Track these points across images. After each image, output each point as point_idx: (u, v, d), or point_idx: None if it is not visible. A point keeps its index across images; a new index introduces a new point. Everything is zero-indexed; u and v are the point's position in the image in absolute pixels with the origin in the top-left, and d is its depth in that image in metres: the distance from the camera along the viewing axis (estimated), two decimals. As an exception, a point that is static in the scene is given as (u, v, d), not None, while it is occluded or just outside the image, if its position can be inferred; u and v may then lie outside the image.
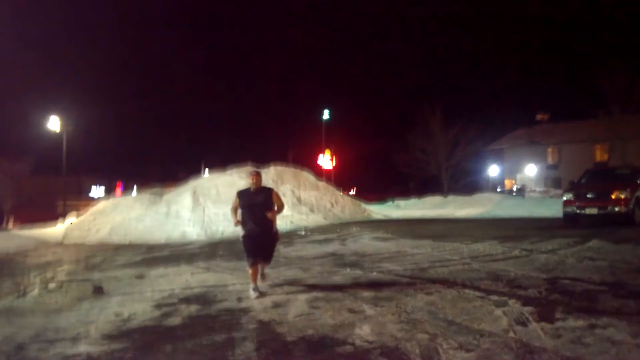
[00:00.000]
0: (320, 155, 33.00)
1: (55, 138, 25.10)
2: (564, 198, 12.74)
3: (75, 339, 4.21)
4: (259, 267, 5.80)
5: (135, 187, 27.56)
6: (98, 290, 6.25)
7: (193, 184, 17.86)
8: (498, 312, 4.29)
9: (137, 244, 13.80)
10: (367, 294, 5.26)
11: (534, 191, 34.29)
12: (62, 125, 24.12)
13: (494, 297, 4.82)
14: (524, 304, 4.46)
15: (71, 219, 18.41)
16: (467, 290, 5.18)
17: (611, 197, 11.69)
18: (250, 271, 5.63)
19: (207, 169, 24.31)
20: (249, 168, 17.97)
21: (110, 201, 18.42)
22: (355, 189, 45.30)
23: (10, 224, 21.13)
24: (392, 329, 3.96)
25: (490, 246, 8.85)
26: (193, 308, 5.09)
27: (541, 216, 17.87)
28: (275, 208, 5.89)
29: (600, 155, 42.23)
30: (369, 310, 4.58)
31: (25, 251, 12.85)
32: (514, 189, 41.11)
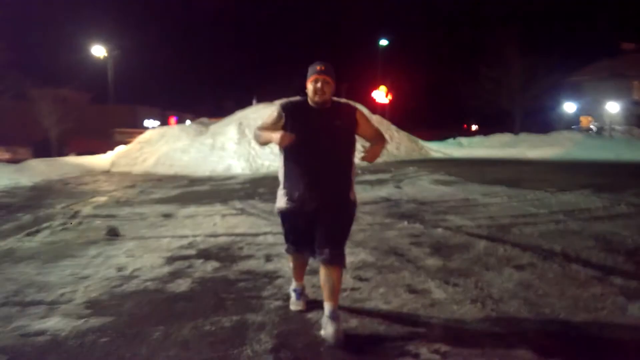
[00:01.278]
0: (376, 90, 30.86)
1: (105, 66, 24.56)
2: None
3: (52, 305, 3.28)
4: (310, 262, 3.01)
5: (188, 121, 27.04)
6: (112, 232, 5.36)
7: (239, 115, 16.82)
8: (635, 308, 2.91)
9: (181, 175, 13.12)
10: (432, 262, 3.98)
11: (614, 130, 30.73)
12: (108, 52, 23.38)
13: (618, 281, 3.40)
14: (672, 297, 3.04)
15: (120, 147, 18.08)
16: (573, 266, 3.78)
17: None
18: (290, 263, 3.10)
19: (256, 102, 23.19)
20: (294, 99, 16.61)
21: (157, 130, 17.82)
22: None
23: (68, 152, 21.27)
24: (475, 328, 2.69)
25: (583, 197, 7.21)
26: (209, 266, 4.04)
27: (629, 160, 15.53)
28: (367, 149, 2.75)
29: (698, 91, 37.09)
30: (436, 290, 3.31)
31: (68, 179, 12.49)
32: (592, 127, 37.35)
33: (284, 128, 2.67)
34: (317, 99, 2.66)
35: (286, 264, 3.85)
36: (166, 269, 4.02)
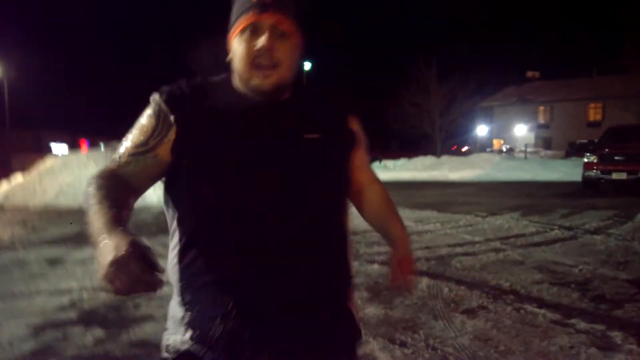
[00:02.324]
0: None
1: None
2: (585, 160, 10.97)
3: None
4: None
5: (102, 145, 25.10)
6: (-27, 291, 4.22)
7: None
8: (613, 366, 2.44)
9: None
10: (372, 310, 3.35)
11: (523, 151, 32.72)
12: (3, 71, 21.13)
13: (582, 325, 2.96)
14: (647, 346, 2.62)
15: (16, 177, 16.08)
16: (528, 307, 3.32)
17: (644, 160, 9.93)
18: None
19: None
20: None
21: (60, 158, 16.11)
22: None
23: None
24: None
25: (514, 221, 7.05)
26: (90, 337, 3.12)
27: (546, 180, 16.25)
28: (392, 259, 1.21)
29: (593, 114, 40.77)
30: (381, 355, 2.66)
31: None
32: (503, 149, 39.62)
33: (176, 158, 1.03)
34: (257, 80, 1.05)
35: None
36: (29, 346, 3.04)
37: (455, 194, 11.68)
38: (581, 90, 41.21)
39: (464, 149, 41.13)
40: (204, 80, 1.13)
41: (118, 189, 1.00)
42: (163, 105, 1.06)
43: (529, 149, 28.66)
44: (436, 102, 28.51)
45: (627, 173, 10.07)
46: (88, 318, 3.48)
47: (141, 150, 1.05)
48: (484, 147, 40.83)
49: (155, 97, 1.08)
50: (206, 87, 1.10)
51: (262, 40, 1.01)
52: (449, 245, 5.43)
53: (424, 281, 3.99)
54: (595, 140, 12.42)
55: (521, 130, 40.98)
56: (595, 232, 6.01)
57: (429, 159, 22.57)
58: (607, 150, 10.62)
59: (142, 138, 1.05)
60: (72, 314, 3.58)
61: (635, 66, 25.51)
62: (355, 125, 1.20)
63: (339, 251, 1.11)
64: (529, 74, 48.69)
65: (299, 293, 1.02)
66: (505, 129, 43.09)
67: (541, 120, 44.21)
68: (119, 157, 1.06)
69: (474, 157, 21.50)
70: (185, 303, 1.05)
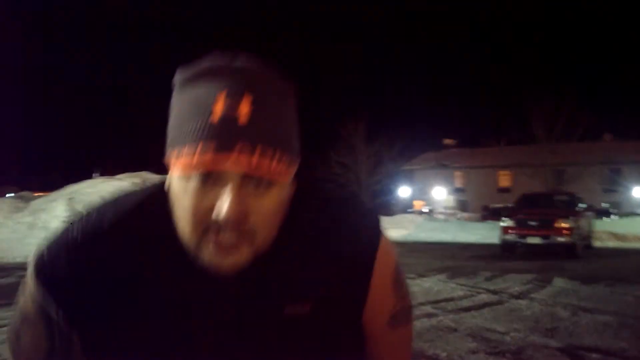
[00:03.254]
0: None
1: None
2: (502, 224, 11.63)
3: None
4: None
5: (9, 195, 22.98)
6: None
7: (70, 189, 14.56)
8: None
9: (-18, 263, 10.39)
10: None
11: (442, 213, 34.43)
12: None
13: (524, 400, 2.90)
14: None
15: None
16: (469, 379, 3.23)
17: (554, 226, 10.70)
18: None
19: (97, 175, 20.69)
20: (144, 174, 14.97)
21: (-44, 205, 14.47)
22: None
23: None
24: None
25: (442, 283, 7.15)
26: None
27: (465, 241, 16.98)
28: None
29: (503, 181, 44.18)
30: None
31: None
32: (424, 210, 41.48)
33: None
34: (210, 257, 0.62)
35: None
36: None
37: (383, 254, 11.78)
38: (492, 158, 44.80)
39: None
40: (127, 213, 0.68)
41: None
42: (44, 293, 0.64)
43: (447, 211, 30.18)
44: (363, 163, 29.56)
45: (540, 237, 10.76)
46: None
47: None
48: (406, 207, 42.50)
49: (29, 278, 0.66)
50: (129, 228, 0.66)
51: (223, 208, 0.58)
52: (383, 310, 5.33)
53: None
54: (510, 205, 13.28)
55: (440, 193, 43.40)
56: (519, 296, 6.20)
57: (355, 218, 22.91)
58: (521, 215, 11.35)
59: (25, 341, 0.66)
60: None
61: (540, 138, 28.23)
62: (376, 273, 0.71)
63: None
64: (446, 141, 52.38)
65: None
66: (425, 191, 45.39)
67: (457, 184, 47.17)
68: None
69: (399, 218, 22.18)
70: None
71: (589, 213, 13.06)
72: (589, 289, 6.83)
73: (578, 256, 10.64)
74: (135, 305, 0.65)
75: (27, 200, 14.97)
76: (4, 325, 4.73)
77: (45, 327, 0.65)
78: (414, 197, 47.02)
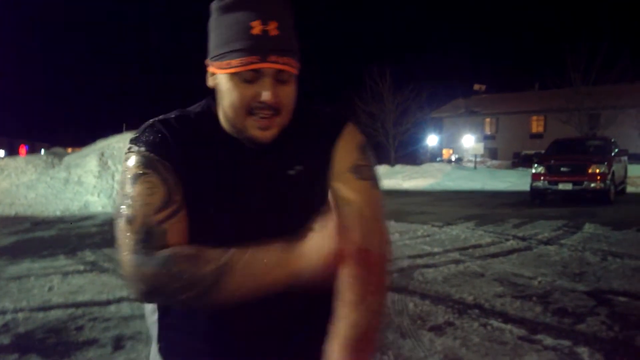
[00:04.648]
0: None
1: None
2: (533, 171, 11.37)
3: None
4: None
5: (43, 151, 23.66)
6: None
7: (101, 144, 14.87)
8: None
9: (23, 216, 10.90)
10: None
11: (471, 161, 33.83)
12: None
13: (549, 341, 2.94)
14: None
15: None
16: (494, 322, 3.27)
17: (588, 172, 10.42)
18: None
19: (126, 129, 20.98)
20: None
21: (-5, 162, 15.04)
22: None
23: None
24: None
25: (469, 231, 7.14)
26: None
27: (494, 189, 16.77)
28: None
29: (536, 126, 42.85)
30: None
31: None
32: (452, 158, 40.83)
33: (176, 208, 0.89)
34: (254, 132, 0.89)
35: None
36: (-47, 376, 2.68)
37: (410, 203, 11.78)
38: (524, 103, 43.21)
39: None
40: (181, 118, 0.94)
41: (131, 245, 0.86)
42: (151, 154, 0.89)
43: (477, 159, 29.65)
44: (390, 112, 29.03)
45: (572, 184, 10.51)
46: (24, 343, 3.12)
47: (170, 211, 0.86)
48: (434, 156, 41.92)
49: (138, 152, 0.89)
50: (185, 126, 0.93)
51: (265, 93, 0.85)
52: (410, 257, 5.38)
53: (389, 296, 3.88)
54: (542, 152, 12.93)
55: (469, 141, 42.36)
56: (548, 242, 6.15)
57: (383, 168, 22.85)
58: (553, 161, 11.06)
59: (158, 199, 0.86)
60: (6, 339, 3.20)
61: (575, 81, 26.99)
62: (339, 144, 0.97)
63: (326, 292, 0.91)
64: (476, 86, 50.65)
65: (281, 344, 0.96)
66: (454, 140, 44.47)
67: (487, 131, 45.98)
68: (146, 237, 0.84)
69: (427, 167, 21.97)
70: (163, 352, 1.00)
71: (624, 158, 12.63)
72: (620, 234, 6.72)
73: (611, 202, 10.41)
74: (198, 165, 0.91)
75: (60, 156, 15.42)
76: (50, 274, 5.03)
77: (157, 173, 0.87)
78: (442, 146, 46.27)
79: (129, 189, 0.87)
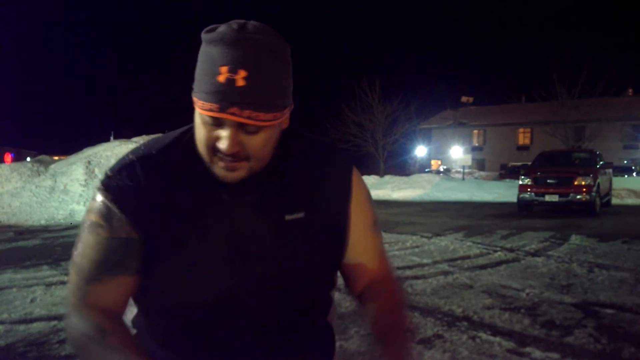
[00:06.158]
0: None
1: None
2: (520, 182, 11.49)
3: None
4: None
5: (29, 158, 23.35)
6: None
7: (88, 152, 14.73)
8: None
9: (7, 225, 10.74)
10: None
11: (459, 172, 34.07)
12: None
13: (538, 354, 2.93)
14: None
15: None
16: (482, 334, 3.27)
17: (574, 184, 10.54)
18: None
19: (113, 138, 20.80)
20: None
21: (-22, 169, 14.79)
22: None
23: None
24: None
25: (458, 242, 7.16)
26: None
27: (482, 200, 16.91)
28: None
29: (522, 139, 43.38)
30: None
31: None
32: (441, 169, 41.11)
33: (144, 259, 0.89)
34: (218, 171, 0.87)
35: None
36: None
37: (399, 213, 11.81)
38: (511, 115, 43.79)
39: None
40: (165, 153, 0.91)
41: (121, 331, 0.89)
42: (112, 205, 0.87)
43: (464, 170, 29.88)
44: (379, 123, 29.18)
45: (559, 195, 10.63)
46: (4, 357, 3.04)
47: (108, 273, 0.88)
48: (423, 167, 42.17)
49: (103, 197, 0.88)
50: (167, 162, 0.90)
51: (223, 142, 0.82)
52: (399, 268, 5.38)
53: (377, 308, 3.86)
54: (528, 164, 13.07)
55: (457, 152, 42.75)
56: (535, 254, 6.19)
57: (372, 178, 22.91)
58: (539, 173, 11.18)
59: (100, 256, 0.87)
60: (-17, 353, 3.12)
61: (561, 94, 27.40)
62: (354, 191, 0.98)
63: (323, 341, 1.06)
64: (463, 99, 51.15)
65: None
66: (443, 151, 44.84)
67: (475, 143, 46.48)
68: (84, 289, 0.88)
69: (416, 177, 22.07)
70: None
71: (609, 170, 12.81)
72: (606, 246, 6.78)
73: (596, 214, 10.52)
74: (175, 211, 0.87)
75: (47, 164, 15.22)
76: (32, 285, 4.92)
77: (110, 231, 0.86)
78: (431, 157, 46.58)
79: (83, 234, 0.89)
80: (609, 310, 3.81)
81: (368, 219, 1.01)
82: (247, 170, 0.86)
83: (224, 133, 0.82)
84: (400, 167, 42.65)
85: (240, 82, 0.78)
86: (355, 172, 1.00)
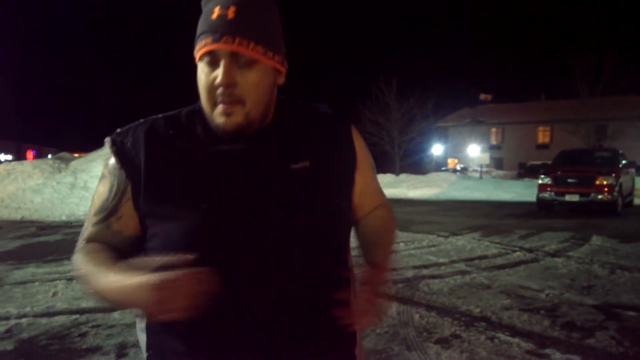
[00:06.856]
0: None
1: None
2: (540, 182, 11.30)
3: None
4: None
5: (50, 156, 23.80)
6: None
7: (107, 149, 14.92)
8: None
9: (29, 220, 10.96)
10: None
11: (476, 170, 33.69)
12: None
13: (558, 356, 2.89)
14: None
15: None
16: (501, 335, 3.23)
17: (595, 183, 10.34)
18: None
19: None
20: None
21: (2, 167, 15.12)
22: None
23: None
24: None
25: (475, 242, 7.08)
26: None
27: (500, 199, 16.70)
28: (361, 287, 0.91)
29: (542, 137, 42.70)
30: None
31: None
32: (457, 168, 40.70)
33: (141, 215, 0.92)
34: (218, 119, 0.89)
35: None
36: (-44, 382, 2.67)
37: (415, 212, 11.73)
38: (530, 113, 43.12)
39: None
40: (171, 118, 0.98)
41: (108, 250, 0.92)
42: (114, 159, 0.95)
43: (482, 169, 29.56)
44: (395, 121, 29.02)
45: (579, 195, 10.44)
46: (26, 350, 3.11)
47: (102, 216, 0.95)
48: (439, 165, 41.81)
49: (106, 147, 0.96)
50: (172, 125, 0.96)
51: (218, 76, 0.86)
52: (415, 267, 5.35)
53: (393, 307, 3.84)
54: (548, 163, 12.87)
55: (474, 151, 42.26)
56: (555, 254, 6.09)
57: (388, 177, 22.80)
58: (560, 172, 10.99)
59: (99, 203, 0.96)
60: (8, 345, 3.19)
61: (582, 92, 26.89)
62: (356, 143, 1.04)
63: (339, 296, 0.92)
64: (482, 96, 50.60)
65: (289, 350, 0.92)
66: (459, 149, 44.38)
67: (493, 141, 45.85)
68: (86, 230, 0.97)
69: (432, 176, 21.90)
70: (149, 330, 0.98)
71: (631, 170, 12.54)
72: (628, 247, 6.64)
73: (618, 214, 10.31)
74: (177, 164, 0.91)
75: (67, 161, 15.48)
76: (54, 279, 5.02)
77: (112, 178, 0.94)
78: (447, 155, 46.15)
79: (98, 185, 0.98)
80: (631, 313, 3.73)
81: (369, 165, 1.08)
82: (244, 116, 0.88)
83: (220, 69, 0.86)
84: (417, 165, 42.36)
85: (231, 15, 0.86)
86: (353, 126, 1.06)
